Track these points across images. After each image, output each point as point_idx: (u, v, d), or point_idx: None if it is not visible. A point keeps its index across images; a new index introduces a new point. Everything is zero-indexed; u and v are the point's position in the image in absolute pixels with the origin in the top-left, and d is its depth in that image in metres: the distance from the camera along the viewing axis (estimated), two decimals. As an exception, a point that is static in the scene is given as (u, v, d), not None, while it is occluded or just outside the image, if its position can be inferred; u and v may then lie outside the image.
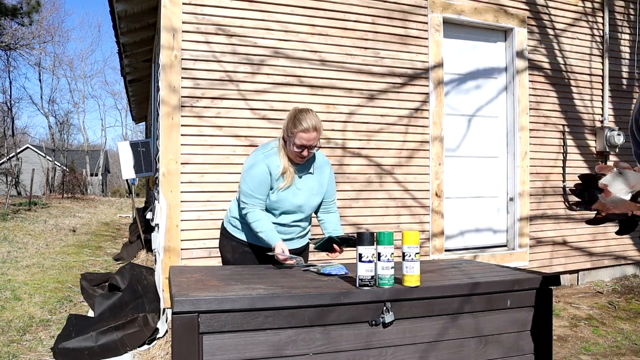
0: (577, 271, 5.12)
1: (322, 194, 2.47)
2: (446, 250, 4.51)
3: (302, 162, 2.36)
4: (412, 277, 1.74)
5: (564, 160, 4.99)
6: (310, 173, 2.43)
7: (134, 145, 5.22)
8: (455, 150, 4.68)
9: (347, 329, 1.67)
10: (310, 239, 2.55)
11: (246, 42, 3.82)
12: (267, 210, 2.39)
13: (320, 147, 2.40)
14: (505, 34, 4.86)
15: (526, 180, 4.78)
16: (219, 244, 2.58)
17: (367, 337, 1.69)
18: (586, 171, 5.09)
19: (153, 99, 5.99)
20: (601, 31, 5.22)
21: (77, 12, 57.61)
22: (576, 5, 5.10)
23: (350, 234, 2.37)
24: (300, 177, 2.40)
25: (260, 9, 3.87)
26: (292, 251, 2.36)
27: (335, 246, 2.32)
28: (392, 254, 1.72)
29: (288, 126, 2.29)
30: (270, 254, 2.30)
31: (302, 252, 2.52)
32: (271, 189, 2.34)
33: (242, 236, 2.47)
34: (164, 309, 3.57)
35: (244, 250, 2.46)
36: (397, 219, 4.27)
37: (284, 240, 2.34)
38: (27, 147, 31.81)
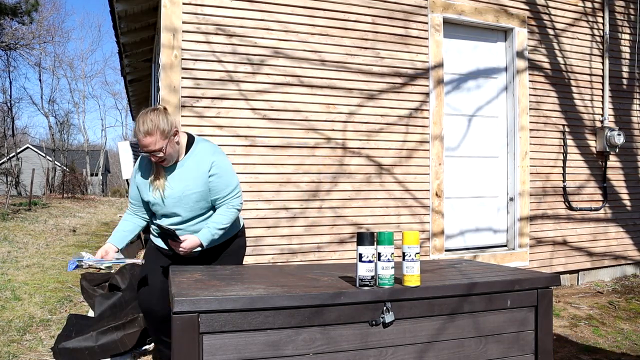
0: (577, 271, 5.12)
1: (201, 193, 2.31)
2: (446, 250, 4.51)
3: (167, 165, 2.28)
4: (412, 277, 1.74)
5: (564, 160, 4.99)
6: (186, 172, 2.31)
7: (134, 145, 5.22)
8: (455, 150, 4.68)
9: (347, 329, 1.67)
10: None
11: (246, 42, 3.82)
12: (154, 214, 2.39)
13: (164, 152, 2.20)
14: (505, 34, 4.86)
15: (526, 180, 4.78)
16: None
17: (367, 337, 1.69)
18: (586, 171, 5.11)
19: (153, 99, 5.99)
20: (601, 31, 5.22)
21: (78, 12, 57.60)
22: (576, 5, 5.09)
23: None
24: (172, 177, 2.31)
25: (261, 9, 3.87)
26: (192, 256, 2.36)
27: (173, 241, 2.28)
28: (392, 254, 1.72)
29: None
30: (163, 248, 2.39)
31: (203, 255, 2.44)
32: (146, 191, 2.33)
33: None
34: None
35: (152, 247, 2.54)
36: (397, 219, 4.27)
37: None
38: (27, 147, 31.82)
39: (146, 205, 2.41)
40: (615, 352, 3.28)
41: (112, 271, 2.31)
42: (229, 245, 2.52)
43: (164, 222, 2.37)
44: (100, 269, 2.33)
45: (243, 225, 2.65)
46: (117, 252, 2.35)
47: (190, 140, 2.39)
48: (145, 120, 2.17)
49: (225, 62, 3.77)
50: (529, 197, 4.78)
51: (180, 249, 2.27)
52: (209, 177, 2.31)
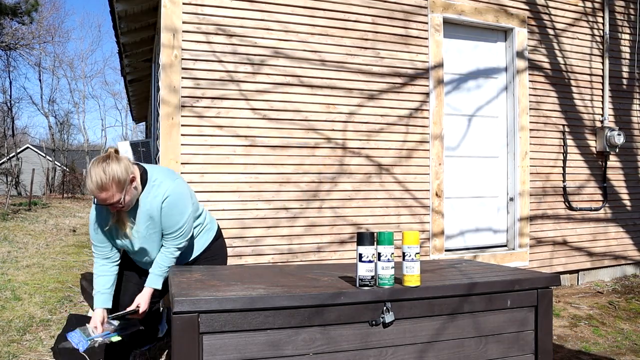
0: (577, 271, 5.12)
1: (159, 230, 2.24)
2: (446, 250, 4.51)
3: (127, 210, 2.14)
4: (412, 277, 1.74)
5: (564, 160, 4.99)
6: (145, 212, 2.20)
7: (134, 145, 5.21)
8: (455, 150, 4.68)
9: (347, 329, 1.67)
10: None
11: (246, 42, 3.82)
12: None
13: (123, 203, 2.05)
14: (505, 34, 4.86)
15: (526, 180, 4.78)
16: None
17: (367, 337, 1.69)
18: (586, 171, 5.11)
19: (153, 99, 5.99)
20: (601, 31, 5.22)
21: (77, 12, 57.52)
22: (576, 5, 5.10)
23: (115, 315, 2.20)
24: (134, 217, 2.20)
25: (261, 9, 3.87)
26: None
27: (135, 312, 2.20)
28: (392, 254, 1.72)
29: None
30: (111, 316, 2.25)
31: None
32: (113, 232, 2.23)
33: None
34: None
35: None
36: (397, 219, 4.27)
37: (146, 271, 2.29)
38: (27, 147, 31.80)
39: (114, 242, 2.30)
40: (615, 352, 3.28)
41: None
42: (208, 251, 2.49)
43: (136, 259, 2.34)
44: (111, 340, 2.30)
45: (218, 228, 2.59)
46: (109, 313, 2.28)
47: (144, 174, 2.21)
48: (97, 173, 1.99)
49: (225, 62, 3.77)
50: (529, 197, 4.78)
51: (142, 312, 2.21)
52: (160, 216, 2.20)
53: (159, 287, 2.27)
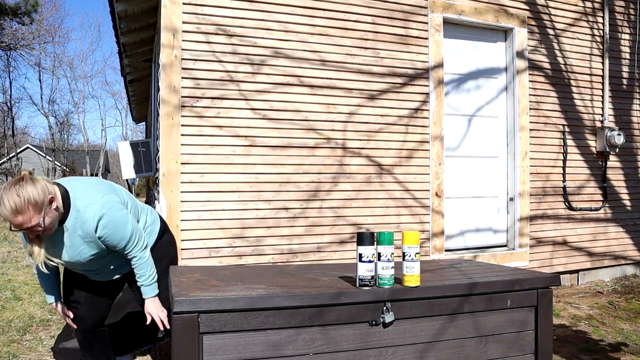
0: (577, 271, 5.12)
1: (99, 252, 2.15)
2: (446, 250, 4.51)
3: (50, 233, 2.00)
4: (412, 277, 1.74)
5: (564, 160, 4.99)
6: (73, 237, 2.08)
7: (134, 145, 5.21)
8: (455, 150, 4.68)
9: (347, 329, 1.67)
10: None
11: (246, 42, 3.82)
12: None
13: (42, 226, 1.91)
14: (505, 34, 4.86)
15: (526, 180, 4.78)
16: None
17: (367, 337, 1.69)
18: (586, 171, 5.11)
19: (153, 99, 5.98)
20: (601, 31, 5.22)
21: (77, 12, 57.51)
22: (576, 5, 5.10)
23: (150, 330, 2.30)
24: (61, 243, 2.08)
25: (261, 9, 3.87)
26: (114, 282, 2.35)
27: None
28: (392, 254, 1.72)
29: None
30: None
31: (123, 282, 2.43)
32: None
33: None
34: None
35: None
36: (397, 219, 4.27)
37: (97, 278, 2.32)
38: (27, 147, 31.82)
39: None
40: (615, 352, 3.28)
41: None
42: (154, 251, 2.37)
43: (83, 269, 2.29)
44: None
45: (161, 226, 2.47)
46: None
47: (65, 195, 2.05)
48: (10, 197, 1.85)
49: (225, 62, 3.77)
50: (529, 197, 4.78)
51: (163, 318, 2.22)
52: (99, 238, 2.09)
53: (156, 292, 2.25)
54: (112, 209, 2.10)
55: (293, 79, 3.94)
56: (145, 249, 2.24)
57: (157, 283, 2.27)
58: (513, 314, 1.90)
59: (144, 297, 2.25)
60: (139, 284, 2.24)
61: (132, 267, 2.24)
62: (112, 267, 2.33)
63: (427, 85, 4.39)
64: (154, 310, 2.23)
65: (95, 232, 2.05)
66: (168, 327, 2.18)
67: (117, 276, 2.39)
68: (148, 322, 2.23)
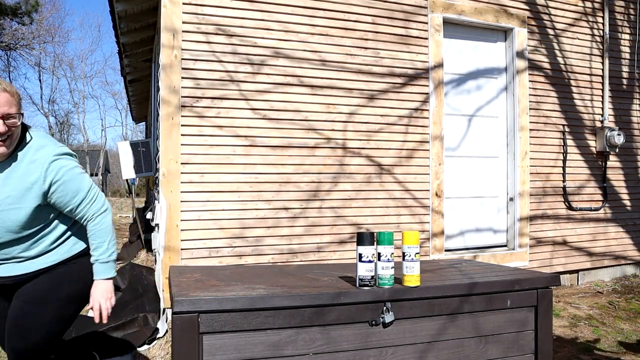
0: (577, 271, 5.12)
1: (29, 207, 1.73)
2: (446, 250, 4.51)
3: (4, 152, 1.69)
4: (412, 277, 1.74)
5: (564, 160, 4.99)
6: (13, 175, 1.72)
7: (134, 145, 5.21)
8: (455, 150, 4.68)
9: (347, 329, 1.67)
10: None
11: (246, 42, 3.82)
12: None
13: (16, 122, 1.68)
14: (505, 34, 4.86)
15: (526, 180, 4.78)
16: None
17: (367, 337, 1.69)
18: (586, 171, 5.11)
19: (153, 99, 5.98)
20: (601, 31, 5.22)
21: (77, 12, 57.55)
22: (576, 5, 5.10)
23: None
24: None
25: (261, 9, 3.87)
26: (11, 278, 1.82)
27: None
28: (392, 254, 1.72)
29: None
30: None
31: (25, 280, 1.86)
32: None
33: None
34: (164, 309, 3.57)
35: None
36: (397, 219, 4.27)
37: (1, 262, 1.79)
38: (27, 147, 31.73)
39: None
40: (615, 352, 3.28)
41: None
42: (63, 267, 1.91)
43: None
44: None
45: (87, 248, 1.97)
46: None
47: (24, 128, 1.79)
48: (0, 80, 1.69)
49: (225, 62, 3.77)
50: (528, 197, 4.78)
51: (107, 309, 1.87)
52: (50, 186, 1.75)
53: (113, 273, 1.87)
54: (69, 159, 1.84)
55: (293, 79, 3.94)
56: (105, 213, 1.88)
57: (114, 262, 1.88)
58: (513, 314, 1.90)
59: (95, 277, 1.84)
60: (93, 259, 1.85)
61: (88, 235, 1.86)
62: (25, 248, 1.82)
63: (427, 85, 4.39)
64: (104, 295, 1.83)
65: (44, 177, 1.73)
66: (105, 321, 1.88)
67: (23, 271, 1.84)
68: (94, 308, 1.85)
